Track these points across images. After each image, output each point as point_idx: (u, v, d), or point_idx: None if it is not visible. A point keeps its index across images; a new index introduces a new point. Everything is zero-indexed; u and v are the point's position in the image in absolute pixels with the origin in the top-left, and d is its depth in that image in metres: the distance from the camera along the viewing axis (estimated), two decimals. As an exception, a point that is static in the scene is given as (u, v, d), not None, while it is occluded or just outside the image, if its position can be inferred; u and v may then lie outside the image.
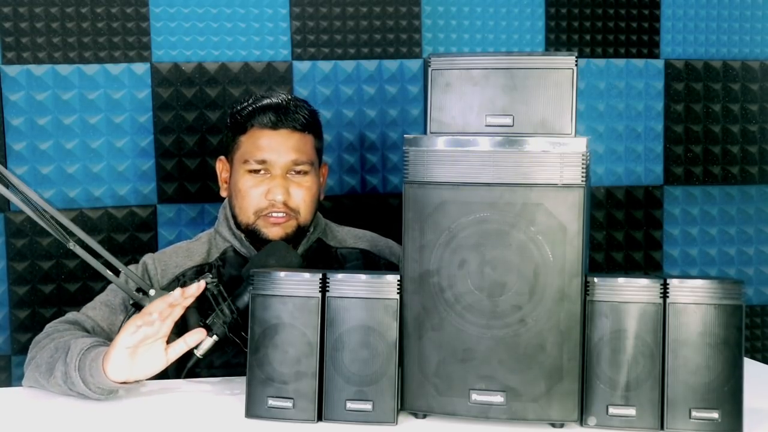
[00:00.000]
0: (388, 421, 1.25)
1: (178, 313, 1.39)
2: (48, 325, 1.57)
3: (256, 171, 1.63)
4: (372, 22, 2.04)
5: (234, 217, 1.67)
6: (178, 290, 1.37)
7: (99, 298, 1.64)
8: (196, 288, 1.39)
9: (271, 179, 1.62)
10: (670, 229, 2.20)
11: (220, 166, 1.74)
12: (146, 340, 1.36)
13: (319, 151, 1.71)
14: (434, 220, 1.24)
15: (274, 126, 1.63)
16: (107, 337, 1.56)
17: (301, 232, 1.66)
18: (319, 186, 1.70)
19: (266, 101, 1.66)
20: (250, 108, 1.65)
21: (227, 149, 1.71)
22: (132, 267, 1.67)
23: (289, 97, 1.69)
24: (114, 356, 1.34)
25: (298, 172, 1.64)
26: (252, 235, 1.65)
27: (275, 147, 1.62)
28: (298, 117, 1.64)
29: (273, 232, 1.62)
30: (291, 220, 1.63)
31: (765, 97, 2.21)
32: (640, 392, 1.22)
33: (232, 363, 1.57)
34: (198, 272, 1.64)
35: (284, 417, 1.26)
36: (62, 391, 1.40)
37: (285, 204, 1.61)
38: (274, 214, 1.62)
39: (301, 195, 1.64)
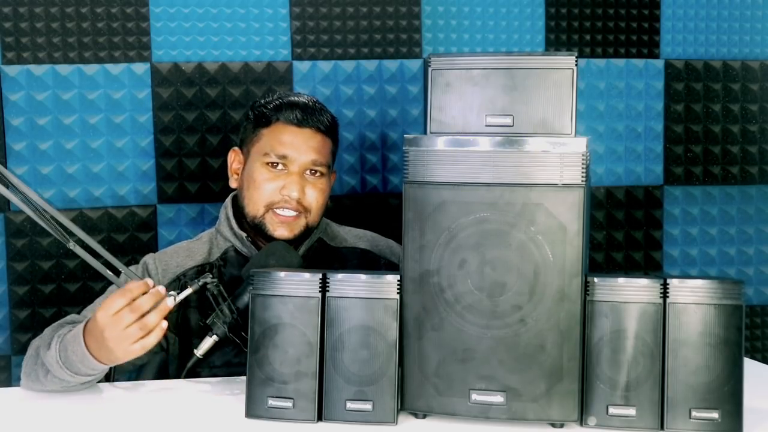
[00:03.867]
0: (388, 421, 1.25)
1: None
2: (46, 329, 1.55)
3: (274, 165, 1.63)
4: (372, 22, 2.04)
5: (242, 208, 1.67)
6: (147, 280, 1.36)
7: (99, 300, 1.63)
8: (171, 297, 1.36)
9: (287, 175, 1.63)
10: (670, 229, 2.19)
11: (233, 156, 1.74)
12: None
13: (334, 157, 1.72)
14: (434, 220, 1.24)
15: (300, 124, 1.65)
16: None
17: (307, 233, 1.66)
18: (329, 190, 1.71)
19: (293, 98, 1.69)
20: (277, 102, 1.68)
21: (243, 141, 1.72)
22: (133, 267, 1.67)
23: (314, 99, 1.72)
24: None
25: (314, 173, 1.65)
26: (257, 230, 1.65)
27: (298, 144, 1.64)
28: (322, 119, 1.67)
29: (279, 232, 1.62)
30: (300, 218, 1.64)
31: (765, 97, 2.21)
32: (640, 392, 1.22)
33: (232, 363, 1.57)
34: (199, 272, 1.64)
35: (284, 417, 1.26)
36: (53, 383, 1.40)
37: (299, 202, 1.62)
38: (285, 211, 1.62)
39: (315, 195, 1.65)
